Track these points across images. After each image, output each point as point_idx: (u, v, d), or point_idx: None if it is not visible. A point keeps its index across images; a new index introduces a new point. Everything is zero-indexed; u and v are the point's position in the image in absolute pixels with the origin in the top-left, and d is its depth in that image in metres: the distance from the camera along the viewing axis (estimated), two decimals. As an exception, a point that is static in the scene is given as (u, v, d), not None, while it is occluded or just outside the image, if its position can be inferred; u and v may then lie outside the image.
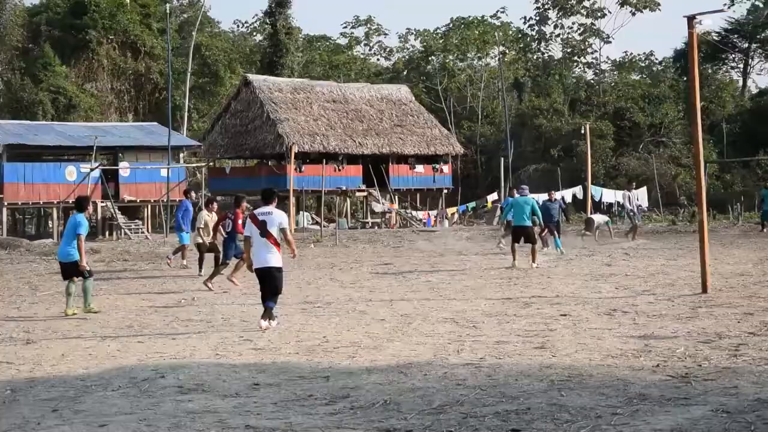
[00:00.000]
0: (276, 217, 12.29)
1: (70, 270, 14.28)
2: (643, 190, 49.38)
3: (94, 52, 59.02)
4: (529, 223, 20.65)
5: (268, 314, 12.13)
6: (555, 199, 26.17)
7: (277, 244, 12.18)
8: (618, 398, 7.63)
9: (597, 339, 10.77)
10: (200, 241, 20.83)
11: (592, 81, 73.16)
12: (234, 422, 7.18)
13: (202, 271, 20.30)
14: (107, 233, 40.11)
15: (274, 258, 12.19)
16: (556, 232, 24.96)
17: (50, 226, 44.09)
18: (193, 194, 24.48)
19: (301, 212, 46.20)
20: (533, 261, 20.27)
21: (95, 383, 8.91)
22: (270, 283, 12.21)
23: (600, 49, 73.22)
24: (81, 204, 14.66)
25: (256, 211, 12.50)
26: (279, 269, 12.26)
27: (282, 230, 12.24)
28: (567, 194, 47.77)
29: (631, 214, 30.73)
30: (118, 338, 11.92)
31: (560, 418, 7.04)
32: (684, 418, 6.93)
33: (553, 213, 25.09)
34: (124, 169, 41.87)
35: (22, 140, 39.52)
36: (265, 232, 12.15)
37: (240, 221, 17.74)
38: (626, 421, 6.87)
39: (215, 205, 21.37)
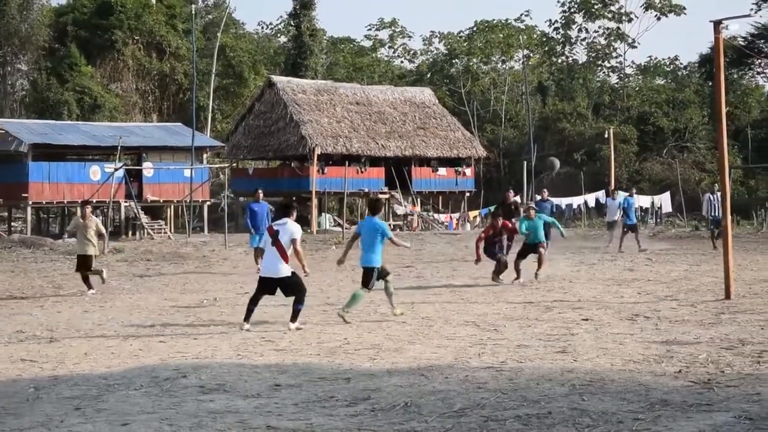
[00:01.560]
0: (289, 227, 12.38)
1: (368, 276, 13.49)
2: (667, 195, 49.17)
3: (119, 53, 59.37)
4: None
5: (294, 317, 12.32)
6: (547, 199, 25.14)
7: (284, 255, 12.22)
8: (640, 403, 7.59)
9: (619, 344, 10.73)
10: (88, 252, 17.74)
11: (616, 85, 72.92)
12: (255, 423, 7.20)
13: (92, 290, 17.40)
14: (130, 233, 40.32)
15: (284, 267, 12.28)
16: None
17: (74, 225, 44.31)
18: (260, 194, 22.06)
19: (323, 214, 46.27)
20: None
21: (117, 382, 8.96)
22: (286, 291, 12.44)
23: (625, 54, 73.02)
24: (375, 206, 13.85)
25: (273, 223, 12.75)
26: (290, 276, 12.31)
27: (292, 241, 12.30)
28: (590, 198, 47.63)
29: (714, 218, 27.13)
30: (140, 338, 11.99)
31: (581, 422, 7.01)
32: (706, 424, 6.89)
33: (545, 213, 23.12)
34: (148, 169, 42.06)
35: (47, 140, 39.76)
36: (275, 241, 12.24)
37: (509, 225, 18.25)
38: (648, 427, 6.84)
39: (88, 209, 18.15)
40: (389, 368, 9.47)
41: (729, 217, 15.84)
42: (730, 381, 8.49)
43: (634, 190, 31.53)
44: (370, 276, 13.38)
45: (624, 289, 16.73)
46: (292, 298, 12.48)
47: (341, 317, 12.93)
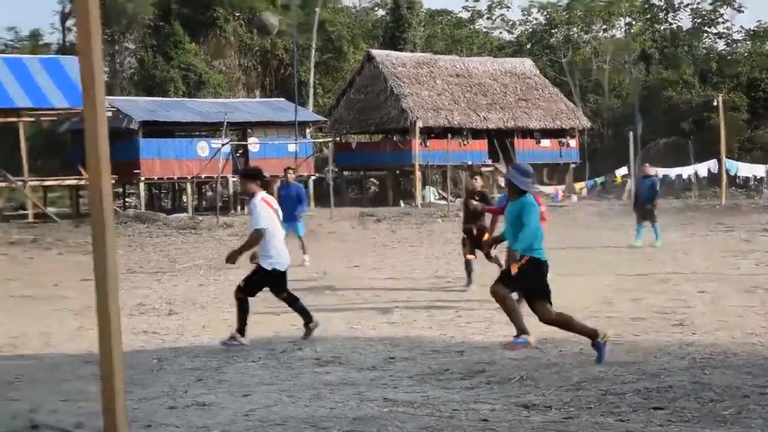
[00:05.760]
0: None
1: None
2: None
3: (221, 30, 60.15)
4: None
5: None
6: (650, 174, 20.92)
7: None
8: (765, 378, 7.39)
9: (738, 317, 10.46)
10: None
11: (723, 52, 70.75)
12: (372, 395, 7.23)
13: None
14: (239, 207, 40.99)
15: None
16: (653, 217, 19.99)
17: (184, 200, 45.31)
18: (290, 174, 18.37)
19: (427, 187, 46.28)
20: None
21: (236, 354, 9.14)
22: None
23: (732, 19, 70.80)
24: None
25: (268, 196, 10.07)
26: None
27: None
28: (701, 168, 46.51)
29: None
30: (253, 310, 12.16)
31: (704, 396, 6.85)
32: (837, 399, 6.68)
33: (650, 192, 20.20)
34: (254, 144, 42.64)
35: (155, 117, 40.63)
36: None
37: None
38: (775, 402, 6.66)
39: None
40: (502, 341, 9.43)
41: None
42: None
43: None
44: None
45: (741, 260, 16.30)
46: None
47: None
